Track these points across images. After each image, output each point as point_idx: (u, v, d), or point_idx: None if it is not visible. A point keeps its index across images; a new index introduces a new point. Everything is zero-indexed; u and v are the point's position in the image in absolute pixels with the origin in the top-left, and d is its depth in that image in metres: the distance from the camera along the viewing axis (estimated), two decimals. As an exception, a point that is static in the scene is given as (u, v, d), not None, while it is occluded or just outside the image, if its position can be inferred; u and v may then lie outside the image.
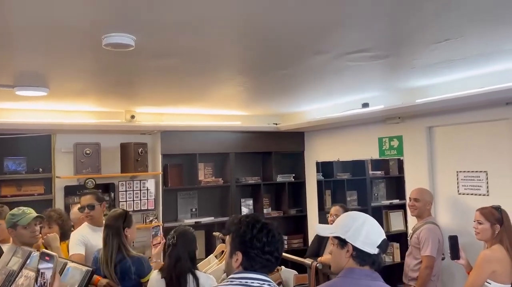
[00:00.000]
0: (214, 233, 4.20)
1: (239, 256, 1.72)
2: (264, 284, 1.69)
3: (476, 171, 3.94)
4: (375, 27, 2.20)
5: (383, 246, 1.83)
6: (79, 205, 3.59)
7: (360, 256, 1.83)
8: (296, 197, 6.15)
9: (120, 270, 2.84)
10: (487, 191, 3.84)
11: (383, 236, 1.85)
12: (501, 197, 3.62)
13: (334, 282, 1.90)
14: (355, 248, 1.84)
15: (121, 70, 2.90)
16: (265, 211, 5.86)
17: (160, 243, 3.18)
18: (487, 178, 3.85)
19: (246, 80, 3.41)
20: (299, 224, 6.12)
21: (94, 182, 4.83)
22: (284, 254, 3.49)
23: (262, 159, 6.08)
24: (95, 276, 2.82)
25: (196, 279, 2.53)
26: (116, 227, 2.91)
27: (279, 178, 5.97)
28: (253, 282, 1.67)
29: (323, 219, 5.71)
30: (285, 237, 5.97)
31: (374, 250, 1.81)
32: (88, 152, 4.79)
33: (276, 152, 5.94)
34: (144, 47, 2.33)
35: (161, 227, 3.37)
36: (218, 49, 2.52)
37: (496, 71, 3.27)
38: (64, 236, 3.51)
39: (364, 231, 1.84)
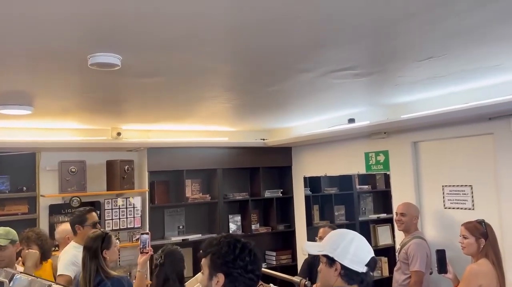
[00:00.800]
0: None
1: (220, 278, 1.68)
2: None
3: (461, 185, 3.99)
4: (359, 46, 2.23)
5: (371, 264, 1.83)
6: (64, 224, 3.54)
7: (348, 274, 1.83)
8: (284, 213, 6.13)
9: None
10: (473, 205, 3.88)
11: (372, 254, 1.85)
12: (486, 211, 3.66)
13: None
14: (343, 267, 1.83)
15: (106, 88, 2.89)
16: (253, 227, 5.83)
17: (148, 253, 3.16)
18: (472, 192, 3.90)
19: (233, 97, 3.42)
20: (287, 240, 6.09)
21: (79, 201, 4.76)
22: (272, 271, 3.47)
23: (250, 175, 6.07)
24: None
25: None
26: (94, 249, 2.88)
27: (267, 194, 5.95)
28: None
29: (311, 234, 5.70)
30: (274, 253, 5.95)
31: (363, 269, 1.81)
32: (73, 170, 4.73)
33: (264, 168, 5.94)
34: (130, 66, 2.33)
35: (149, 235, 3.33)
36: (205, 67, 2.53)
37: (479, 87, 3.34)
38: (45, 256, 3.44)
39: (352, 249, 1.84)
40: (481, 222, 3.16)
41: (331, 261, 1.87)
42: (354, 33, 2.02)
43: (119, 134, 4.77)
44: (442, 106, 3.57)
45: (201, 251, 1.81)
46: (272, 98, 3.52)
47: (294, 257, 5.98)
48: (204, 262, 1.76)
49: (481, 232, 3.11)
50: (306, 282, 2.67)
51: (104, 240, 2.96)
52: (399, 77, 2.92)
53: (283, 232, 6.06)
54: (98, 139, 4.75)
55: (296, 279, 2.80)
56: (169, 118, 4.36)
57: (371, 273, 1.86)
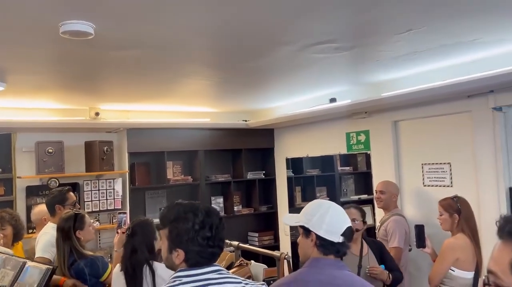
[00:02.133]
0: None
1: (180, 253, 1.60)
2: (213, 273, 1.61)
3: (440, 163, 4.03)
4: (338, 16, 2.21)
5: (347, 234, 1.80)
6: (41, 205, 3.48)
7: (323, 245, 1.80)
8: (267, 194, 6.14)
9: (74, 272, 2.80)
10: (451, 182, 3.94)
11: (348, 224, 1.83)
12: (464, 188, 3.71)
13: (299, 272, 1.88)
14: (318, 237, 1.82)
15: (81, 62, 2.80)
16: (235, 208, 5.83)
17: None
18: (450, 170, 3.95)
19: (213, 73, 3.37)
20: (269, 221, 6.11)
21: (57, 182, 4.66)
22: (253, 247, 3.47)
23: (232, 156, 6.04)
24: (60, 277, 2.78)
25: (152, 271, 2.45)
26: (66, 230, 2.86)
27: (250, 175, 5.94)
28: (202, 276, 1.59)
29: (293, 216, 5.72)
30: (256, 234, 5.97)
31: (338, 238, 1.78)
32: (50, 151, 4.63)
33: (246, 149, 5.91)
34: (104, 36, 2.26)
35: (127, 215, 3.28)
36: (183, 40, 2.48)
37: (458, 64, 3.36)
38: (17, 236, 3.39)
39: (327, 219, 1.81)
40: (454, 198, 3.21)
41: (307, 232, 1.86)
42: (331, 2, 1.99)
43: (97, 114, 4.68)
44: (422, 84, 3.59)
45: (159, 221, 1.71)
46: (253, 75, 3.48)
47: (276, 238, 6.01)
48: (163, 233, 1.67)
49: (455, 208, 3.16)
50: (286, 256, 2.68)
51: (76, 220, 2.93)
52: (380, 51, 2.91)
53: (266, 213, 6.07)
54: (76, 119, 4.65)
55: (276, 253, 2.80)
56: (149, 97, 4.28)
57: (347, 243, 1.83)
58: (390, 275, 2.98)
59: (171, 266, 1.68)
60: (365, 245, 3.06)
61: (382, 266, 2.98)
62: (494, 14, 2.30)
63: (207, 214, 1.63)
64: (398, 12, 2.18)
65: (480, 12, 2.24)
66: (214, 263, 1.66)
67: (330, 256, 1.81)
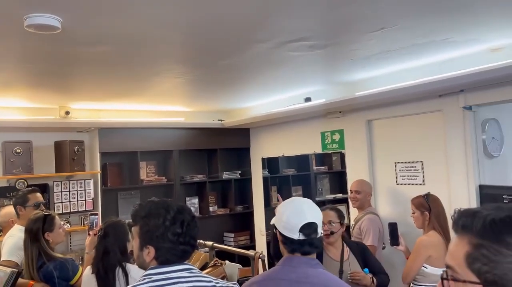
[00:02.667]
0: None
1: (151, 250, 1.57)
2: (184, 272, 1.57)
3: (413, 162, 4.09)
4: (312, 14, 2.20)
5: (305, 230, 1.74)
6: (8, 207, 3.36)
7: (286, 242, 1.78)
8: (243, 194, 6.11)
9: (43, 275, 2.70)
10: (423, 181, 4.00)
11: (307, 220, 1.76)
12: (435, 186, 3.77)
13: (272, 270, 1.86)
14: (281, 234, 1.80)
15: (49, 58, 2.71)
16: (211, 209, 5.77)
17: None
18: (423, 168, 4.01)
19: (187, 71, 3.32)
20: (245, 221, 6.08)
21: (26, 183, 4.52)
22: (228, 247, 3.44)
23: (207, 156, 5.99)
24: (28, 281, 2.69)
25: (125, 272, 2.39)
26: (35, 232, 2.77)
27: (225, 175, 5.90)
28: (172, 274, 1.54)
29: (269, 215, 5.71)
30: (232, 235, 5.93)
31: (297, 235, 1.74)
32: (18, 151, 4.47)
33: (222, 149, 5.87)
34: (72, 30, 2.19)
35: (98, 216, 3.19)
36: (154, 36, 2.42)
37: (430, 63, 3.41)
38: None
39: (285, 216, 1.79)
40: (424, 196, 3.26)
41: (275, 229, 1.85)
42: (304, -1, 1.98)
43: (67, 113, 4.55)
44: (395, 83, 3.63)
45: (131, 218, 1.68)
46: (228, 73, 3.45)
47: (252, 238, 5.98)
48: (135, 230, 1.64)
49: (425, 206, 3.21)
50: (260, 255, 2.65)
51: (45, 222, 2.84)
52: (353, 50, 2.92)
53: (241, 213, 6.04)
54: (45, 117, 4.51)
55: (251, 253, 2.77)
56: (121, 95, 4.19)
57: (314, 241, 1.77)
58: (375, 279, 2.75)
59: (142, 265, 1.64)
60: (346, 248, 2.85)
61: (366, 270, 2.77)
62: (466, 14, 2.33)
63: (178, 211, 1.60)
64: (371, 10, 2.19)
65: (452, 11, 2.27)
66: (186, 262, 1.62)
67: (297, 254, 1.78)
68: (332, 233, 2.78)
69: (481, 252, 0.78)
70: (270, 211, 5.73)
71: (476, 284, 0.77)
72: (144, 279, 1.56)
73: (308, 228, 1.76)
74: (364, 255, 2.87)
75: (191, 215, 1.64)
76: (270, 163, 5.96)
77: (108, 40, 2.44)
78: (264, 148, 5.83)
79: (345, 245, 2.87)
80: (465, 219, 0.83)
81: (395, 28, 2.47)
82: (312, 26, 2.39)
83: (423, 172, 4.01)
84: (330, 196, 6.36)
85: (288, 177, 6.20)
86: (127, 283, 2.36)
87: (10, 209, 3.50)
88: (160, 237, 1.56)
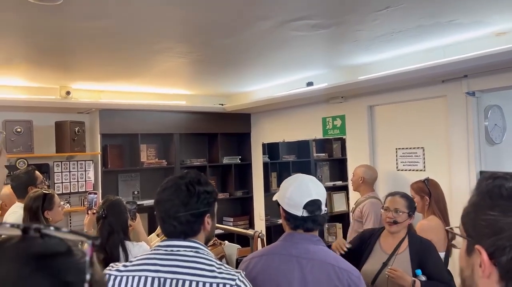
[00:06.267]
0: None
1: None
2: (172, 250, 1.48)
3: (414, 148, 4.08)
4: (318, -11, 2.17)
5: (309, 207, 1.73)
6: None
7: (289, 219, 1.78)
8: (243, 179, 6.11)
9: None
10: (424, 167, 3.99)
11: (311, 197, 1.75)
12: (436, 172, 3.77)
13: (272, 246, 1.86)
14: (284, 210, 1.80)
15: (50, 31, 2.68)
16: (210, 193, 5.76)
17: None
18: (424, 154, 4.00)
19: (188, 50, 3.29)
20: (245, 206, 6.10)
21: (26, 162, 4.51)
22: (228, 227, 3.45)
23: (208, 141, 5.98)
24: None
25: (125, 251, 2.39)
26: (34, 210, 2.76)
27: (226, 160, 5.89)
28: (166, 250, 1.48)
29: (268, 201, 5.72)
30: (231, 219, 5.94)
31: (300, 212, 1.74)
32: (19, 130, 4.46)
33: (223, 134, 5.86)
34: (73, 2, 2.16)
35: (98, 195, 3.19)
36: (155, 11, 2.39)
37: (434, 47, 3.38)
38: None
39: (288, 193, 1.78)
40: (424, 181, 3.26)
41: (279, 205, 1.84)
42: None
43: (68, 93, 4.53)
44: (398, 68, 3.60)
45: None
46: (230, 53, 3.42)
47: (251, 223, 5.99)
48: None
49: (425, 191, 3.22)
50: (260, 234, 2.65)
51: (45, 200, 2.83)
52: (357, 31, 2.89)
53: (241, 198, 6.05)
54: (46, 97, 4.49)
55: (250, 232, 2.77)
56: (121, 75, 4.16)
57: (317, 219, 1.75)
58: (417, 282, 2.34)
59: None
60: (405, 241, 2.54)
61: (418, 271, 2.39)
62: (471, -7, 2.31)
63: (174, 182, 1.56)
64: (377, -13, 2.16)
65: (457, -10, 2.25)
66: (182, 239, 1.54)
67: (299, 230, 1.77)
68: (395, 222, 2.52)
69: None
70: (269, 197, 5.72)
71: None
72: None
73: (312, 205, 1.75)
74: (423, 255, 2.47)
75: (179, 186, 1.57)
76: (270, 149, 5.95)
77: (109, 14, 2.41)
78: (264, 133, 5.82)
79: (407, 238, 2.56)
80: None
81: (401, 7, 2.44)
82: (316, 2, 2.36)
83: (424, 158, 4.00)
84: (330, 183, 6.36)
85: (288, 163, 6.19)
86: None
87: (8, 190, 3.47)
88: (155, 206, 1.55)
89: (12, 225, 0.55)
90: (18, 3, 2.14)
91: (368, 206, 3.83)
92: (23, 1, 2.05)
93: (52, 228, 0.55)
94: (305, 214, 1.74)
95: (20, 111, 4.57)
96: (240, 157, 6.04)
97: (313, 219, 1.76)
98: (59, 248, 0.54)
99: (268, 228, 5.72)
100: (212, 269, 1.42)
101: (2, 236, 0.57)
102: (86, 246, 0.54)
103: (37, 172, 3.40)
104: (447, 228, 3.00)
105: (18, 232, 0.54)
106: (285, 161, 6.18)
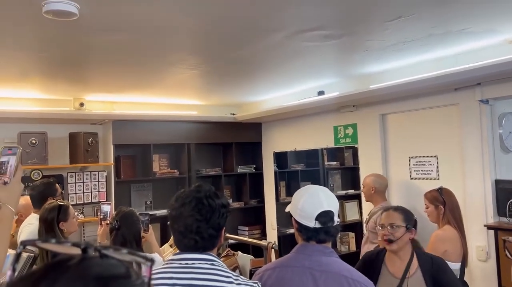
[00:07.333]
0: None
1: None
2: (187, 263, 1.49)
3: (427, 156, 4.04)
4: (328, 1, 2.18)
5: (321, 218, 1.73)
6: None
7: (302, 230, 1.77)
8: (256, 188, 6.12)
9: None
10: (438, 175, 3.95)
11: (323, 208, 1.74)
12: (450, 180, 3.73)
13: (285, 258, 1.85)
14: (297, 222, 1.79)
15: (65, 46, 2.73)
16: (225, 202, 5.78)
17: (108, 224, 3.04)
18: (437, 163, 3.97)
19: (200, 62, 3.32)
20: (258, 215, 6.09)
21: (41, 174, 4.57)
22: (240, 237, 3.44)
23: (222, 150, 6.01)
24: None
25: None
26: (50, 221, 2.79)
27: (240, 169, 5.91)
28: (181, 263, 1.49)
29: (279, 210, 5.72)
30: (246, 228, 5.94)
31: (312, 223, 1.73)
32: (33, 141, 4.53)
33: (237, 143, 5.88)
34: (88, 17, 2.20)
35: (111, 205, 3.21)
36: (169, 23, 2.42)
37: (446, 56, 3.36)
38: None
39: (300, 204, 1.77)
40: (438, 190, 3.23)
41: (291, 217, 1.84)
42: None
43: (82, 104, 4.58)
44: (410, 77, 3.59)
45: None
46: (241, 64, 3.44)
47: (264, 232, 5.98)
48: None
49: (439, 200, 3.18)
50: (273, 245, 2.65)
51: (60, 212, 2.85)
52: (369, 40, 2.89)
53: (255, 207, 6.05)
54: (60, 109, 4.55)
55: (263, 243, 2.77)
56: (135, 87, 4.21)
57: (330, 230, 1.75)
58: None
59: None
60: (415, 262, 2.29)
61: None
62: (485, 2, 2.30)
63: (189, 197, 1.57)
64: (388, -3, 2.17)
65: (471, 1, 2.24)
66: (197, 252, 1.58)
67: (312, 242, 1.77)
68: (390, 241, 2.29)
69: None
70: (279, 206, 5.74)
71: None
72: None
73: (324, 216, 1.74)
74: (437, 275, 2.25)
75: (195, 201, 1.61)
76: (278, 158, 5.96)
77: (124, 28, 2.45)
78: (276, 142, 5.82)
79: (415, 257, 2.31)
80: None
81: (412, 17, 2.44)
82: (328, 14, 2.37)
83: (437, 167, 3.96)
84: (342, 192, 6.34)
85: (297, 172, 6.18)
86: None
87: (27, 200, 3.50)
88: (170, 219, 1.58)
89: (74, 244, 0.56)
90: (34, 19, 2.18)
91: (382, 216, 3.79)
92: (39, 16, 2.09)
93: (111, 249, 0.56)
94: (318, 225, 1.74)
95: (34, 123, 4.64)
96: (254, 166, 6.06)
97: (326, 231, 1.76)
98: (119, 270, 0.55)
99: (279, 238, 5.71)
100: (230, 281, 1.43)
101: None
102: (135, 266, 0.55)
103: (56, 184, 3.46)
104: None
105: (78, 251, 0.55)
106: (293, 170, 6.17)
